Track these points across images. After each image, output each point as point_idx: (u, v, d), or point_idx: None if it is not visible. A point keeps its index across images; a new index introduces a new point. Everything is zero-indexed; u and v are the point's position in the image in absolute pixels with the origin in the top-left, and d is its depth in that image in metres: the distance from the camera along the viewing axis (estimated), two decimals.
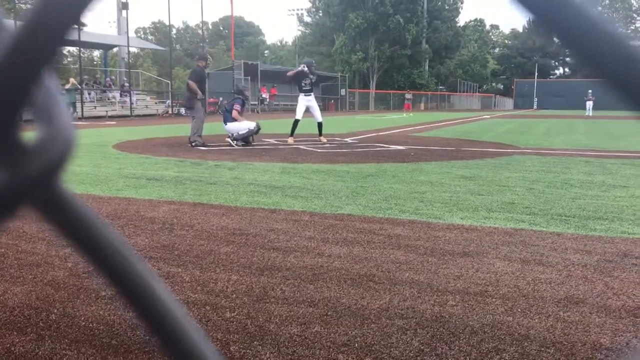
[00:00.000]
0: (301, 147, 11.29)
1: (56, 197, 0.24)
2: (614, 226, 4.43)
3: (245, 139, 11.45)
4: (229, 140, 11.48)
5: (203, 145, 11.08)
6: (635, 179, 6.94)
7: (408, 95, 48.84)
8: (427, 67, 64.28)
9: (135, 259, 0.27)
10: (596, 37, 0.24)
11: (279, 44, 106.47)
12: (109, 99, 31.20)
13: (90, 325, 2.49)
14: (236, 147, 11.03)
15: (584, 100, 38.16)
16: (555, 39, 0.25)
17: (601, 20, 0.25)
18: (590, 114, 35.83)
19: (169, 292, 0.29)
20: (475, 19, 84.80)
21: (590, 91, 37.49)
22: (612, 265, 3.42)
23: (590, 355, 2.24)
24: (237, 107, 11.61)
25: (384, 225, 4.40)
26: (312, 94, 12.83)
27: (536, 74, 72.93)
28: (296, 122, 12.59)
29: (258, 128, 11.51)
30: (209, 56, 12.76)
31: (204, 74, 11.99)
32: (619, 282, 3.11)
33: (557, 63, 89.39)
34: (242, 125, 11.45)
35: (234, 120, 11.47)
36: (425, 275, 3.20)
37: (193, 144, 11.16)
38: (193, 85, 11.36)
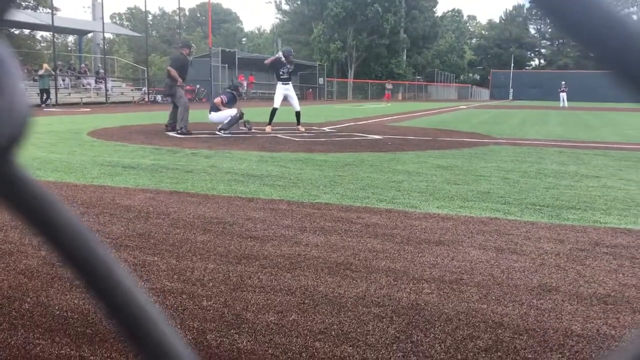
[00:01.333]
0: (279, 135, 11.25)
1: (9, 178, 0.23)
2: (587, 215, 4.51)
3: (233, 127, 11.37)
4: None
5: (183, 134, 11.01)
6: (607, 169, 7.07)
7: (389, 86, 48.92)
8: (404, 57, 64.36)
9: (94, 241, 0.27)
10: (599, 19, 0.23)
11: (257, 31, 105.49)
12: (83, 86, 30.65)
13: (65, 314, 2.46)
14: (223, 135, 10.95)
15: (557, 92, 38.52)
16: (552, 22, 0.24)
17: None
18: (566, 104, 36.20)
19: (130, 276, 0.28)
20: (453, 9, 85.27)
21: (563, 82, 37.86)
22: (584, 253, 3.49)
23: (562, 342, 2.28)
24: (224, 97, 11.55)
25: (361, 214, 4.42)
26: (290, 82, 12.78)
27: (512, 64, 73.54)
28: (274, 110, 12.54)
29: (241, 114, 11.44)
30: (192, 44, 12.63)
31: (186, 62, 11.85)
32: (590, 270, 3.17)
33: (532, 54, 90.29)
34: (224, 114, 11.36)
35: (218, 109, 11.41)
36: (401, 263, 3.23)
37: (179, 130, 11.10)
38: (174, 72, 11.26)
